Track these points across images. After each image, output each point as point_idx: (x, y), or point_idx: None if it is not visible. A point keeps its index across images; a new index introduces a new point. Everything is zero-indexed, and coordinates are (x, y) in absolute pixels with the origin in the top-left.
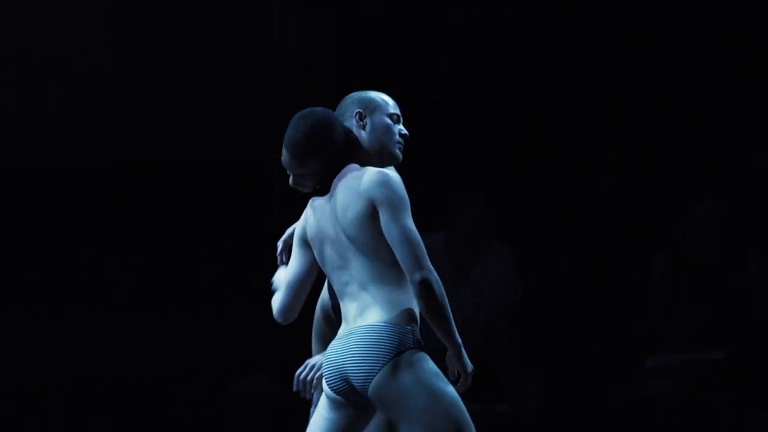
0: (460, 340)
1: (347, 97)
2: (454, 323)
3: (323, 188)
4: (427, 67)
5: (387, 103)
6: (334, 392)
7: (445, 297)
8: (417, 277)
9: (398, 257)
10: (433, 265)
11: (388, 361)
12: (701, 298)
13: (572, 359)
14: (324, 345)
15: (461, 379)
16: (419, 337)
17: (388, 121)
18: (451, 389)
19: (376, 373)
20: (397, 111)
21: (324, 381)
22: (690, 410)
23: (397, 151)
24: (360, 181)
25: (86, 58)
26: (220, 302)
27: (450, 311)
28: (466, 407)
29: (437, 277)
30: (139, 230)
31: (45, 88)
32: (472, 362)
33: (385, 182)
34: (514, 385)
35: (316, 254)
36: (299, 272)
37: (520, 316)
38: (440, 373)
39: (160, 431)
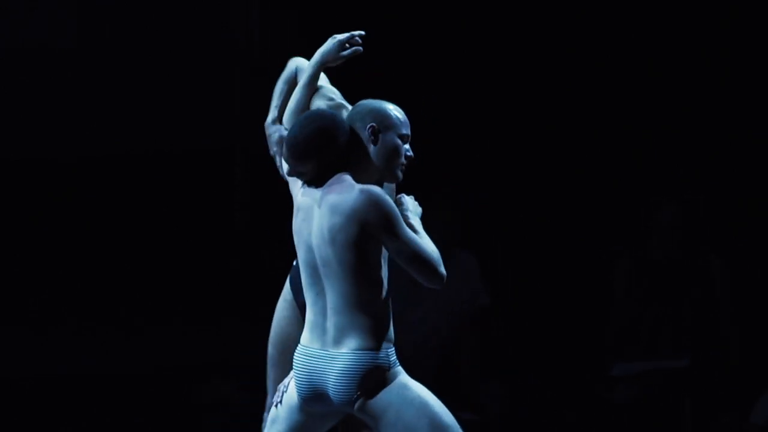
0: None
1: (362, 103)
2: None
3: (316, 183)
4: (389, 69)
5: (401, 123)
6: (305, 401)
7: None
8: (437, 287)
9: (412, 273)
10: (397, 274)
11: (370, 383)
12: (665, 304)
13: (537, 367)
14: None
15: None
16: (395, 356)
17: (399, 141)
18: (430, 396)
19: (357, 393)
20: (409, 132)
21: (295, 388)
22: (655, 417)
23: (399, 172)
24: (348, 203)
25: (48, 57)
26: (200, 306)
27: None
28: None
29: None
30: (114, 233)
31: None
32: (434, 370)
33: (374, 203)
34: (477, 393)
35: (295, 240)
36: None
37: (485, 324)
38: (417, 383)
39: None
